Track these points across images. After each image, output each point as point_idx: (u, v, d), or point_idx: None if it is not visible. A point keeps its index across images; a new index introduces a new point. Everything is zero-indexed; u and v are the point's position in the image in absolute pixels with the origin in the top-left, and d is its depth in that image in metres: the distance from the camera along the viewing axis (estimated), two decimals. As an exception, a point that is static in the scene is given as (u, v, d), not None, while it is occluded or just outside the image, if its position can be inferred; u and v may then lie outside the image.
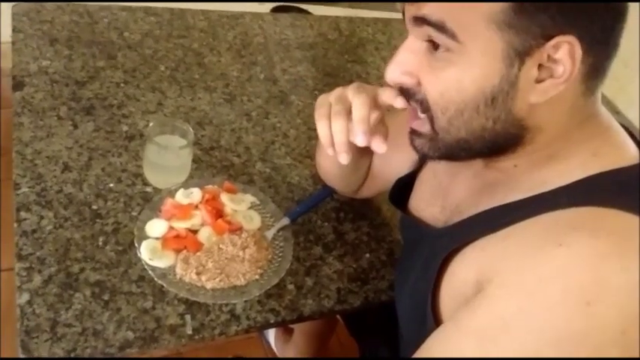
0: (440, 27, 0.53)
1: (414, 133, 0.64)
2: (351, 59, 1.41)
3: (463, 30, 0.53)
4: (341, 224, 0.99)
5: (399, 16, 0.63)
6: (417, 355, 0.59)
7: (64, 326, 0.74)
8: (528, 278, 0.51)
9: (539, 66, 0.53)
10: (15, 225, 0.83)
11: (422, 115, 0.61)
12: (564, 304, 0.48)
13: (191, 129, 0.93)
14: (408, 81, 0.60)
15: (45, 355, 0.71)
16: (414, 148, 0.65)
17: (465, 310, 0.55)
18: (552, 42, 0.52)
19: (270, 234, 0.90)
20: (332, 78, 1.33)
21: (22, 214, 0.85)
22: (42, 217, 0.85)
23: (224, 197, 0.91)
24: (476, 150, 0.60)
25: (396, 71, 0.60)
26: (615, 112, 1.46)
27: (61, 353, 0.72)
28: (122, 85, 1.12)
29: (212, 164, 1.02)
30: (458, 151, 0.61)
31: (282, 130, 1.13)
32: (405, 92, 0.62)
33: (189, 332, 0.78)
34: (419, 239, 0.74)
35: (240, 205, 0.92)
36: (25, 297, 0.76)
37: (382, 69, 1.40)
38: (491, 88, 0.54)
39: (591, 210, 0.52)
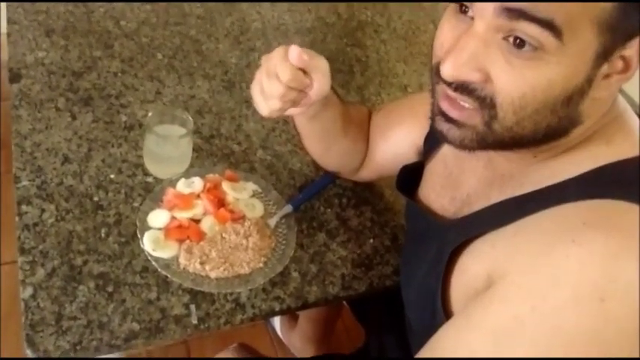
0: (546, 24, 0.48)
1: (452, 122, 0.58)
2: (350, 43, 1.39)
3: (569, 29, 0.49)
4: (344, 210, 0.98)
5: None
6: (427, 347, 0.58)
7: (68, 319, 0.74)
8: (541, 276, 0.50)
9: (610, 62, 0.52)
10: (16, 219, 0.83)
11: (469, 106, 0.55)
12: (578, 302, 0.48)
13: (190, 118, 0.92)
14: (474, 78, 0.53)
15: (51, 348, 0.71)
16: (444, 136, 0.59)
17: (477, 305, 0.55)
18: (633, 41, 0.51)
19: (272, 222, 0.90)
20: (331, 62, 1.29)
21: (24, 207, 0.84)
22: (43, 210, 0.85)
23: (226, 186, 0.91)
24: (519, 144, 0.57)
25: (463, 66, 0.52)
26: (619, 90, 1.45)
27: (66, 347, 0.71)
28: (120, 74, 1.11)
29: (213, 153, 1.01)
30: (501, 145, 0.57)
31: (282, 116, 1.12)
32: (461, 87, 0.54)
33: (195, 322, 0.78)
34: (427, 230, 0.73)
35: (242, 194, 0.91)
36: (29, 291, 0.76)
37: (382, 52, 1.39)
38: (573, 87, 0.52)
39: (602, 203, 0.52)
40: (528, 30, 0.49)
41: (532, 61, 0.50)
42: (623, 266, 0.47)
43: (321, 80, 0.75)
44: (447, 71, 0.53)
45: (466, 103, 0.55)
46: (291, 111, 0.78)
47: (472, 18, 0.53)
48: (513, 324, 0.50)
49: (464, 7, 0.54)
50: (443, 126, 0.59)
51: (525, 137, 0.56)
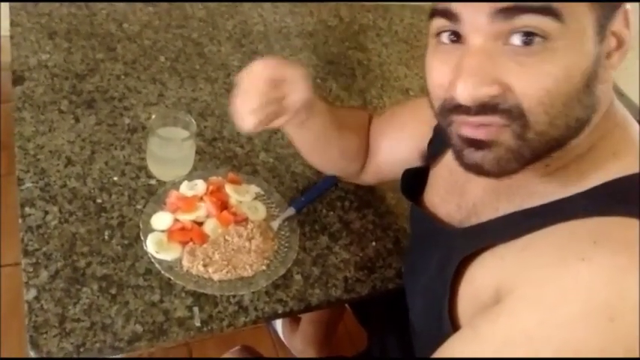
0: (546, 10, 0.48)
1: (483, 146, 0.54)
2: (352, 46, 1.40)
3: (565, 8, 0.48)
4: (346, 213, 0.98)
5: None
6: (433, 359, 0.58)
7: (72, 321, 0.74)
8: (551, 292, 0.50)
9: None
10: (20, 221, 0.83)
11: (495, 122, 0.52)
12: (587, 319, 0.47)
13: (193, 120, 0.92)
14: (493, 91, 0.51)
15: (54, 350, 0.71)
16: (480, 168, 0.55)
17: (484, 318, 0.54)
18: (617, 14, 0.51)
19: (275, 224, 0.90)
20: (333, 66, 1.32)
21: (27, 209, 0.84)
22: (47, 213, 0.85)
23: (228, 188, 0.91)
24: (556, 148, 0.54)
25: (478, 84, 0.50)
26: (619, 93, 1.45)
27: (70, 348, 0.72)
28: (122, 77, 1.11)
29: (215, 155, 1.01)
30: (539, 156, 0.54)
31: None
32: (483, 107, 0.52)
33: (198, 324, 0.78)
34: (432, 235, 0.73)
35: (244, 196, 0.92)
36: (33, 293, 0.76)
37: (383, 55, 1.40)
38: (588, 70, 0.51)
39: (610, 221, 0.51)
40: (528, 22, 0.48)
41: (543, 54, 0.49)
42: (632, 284, 0.47)
43: (297, 89, 0.74)
44: (463, 94, 0.51)
45: (490, 122, 0.53)
46: (276, 123, 0.77)
47: (462, 43, 0.53)
48: (521, 337, 0.50)
49: (451, 37, 0.54)
50: (476, 156, 0.55)
51: (560, 139, 0.54)
